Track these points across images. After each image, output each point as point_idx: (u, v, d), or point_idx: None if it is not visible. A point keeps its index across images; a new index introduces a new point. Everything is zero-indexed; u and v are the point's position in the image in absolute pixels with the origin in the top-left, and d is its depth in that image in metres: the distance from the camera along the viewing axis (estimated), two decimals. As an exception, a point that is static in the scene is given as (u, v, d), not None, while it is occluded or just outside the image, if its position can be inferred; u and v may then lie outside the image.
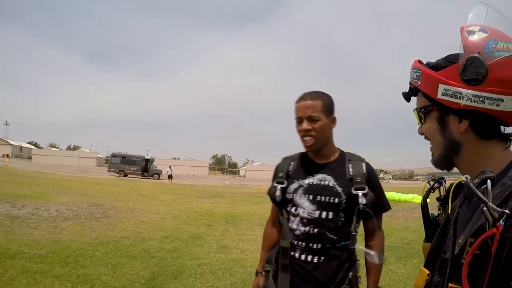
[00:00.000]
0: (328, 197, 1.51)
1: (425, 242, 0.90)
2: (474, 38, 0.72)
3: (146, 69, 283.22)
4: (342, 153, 1.65)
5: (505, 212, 0.59)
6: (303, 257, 1.51)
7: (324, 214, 1.51)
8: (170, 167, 33.64)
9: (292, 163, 1.66)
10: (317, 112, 1.52)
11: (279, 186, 1.62)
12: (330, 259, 1.49)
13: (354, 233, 1.54)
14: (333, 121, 1.60)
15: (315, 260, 1.49)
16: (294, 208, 1.58)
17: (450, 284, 0.68)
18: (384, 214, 1.66)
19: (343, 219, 1.52)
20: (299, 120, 1.56)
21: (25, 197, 10.05)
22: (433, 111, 0.80)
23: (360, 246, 1.50)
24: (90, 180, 21.62)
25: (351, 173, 1.54)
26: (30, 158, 62.21)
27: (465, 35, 0.74)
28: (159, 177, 34.76)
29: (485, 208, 0.61)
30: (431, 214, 0.90)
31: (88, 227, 6.84)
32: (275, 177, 1.67)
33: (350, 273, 1.49)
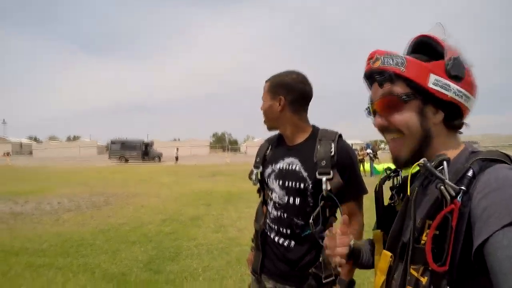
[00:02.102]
0: (294, 183, 1.47)
1: (375, 229, 0.94)
2: (451, 43, 0.80)
3: (139, 53, 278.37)
4: (314, 132, 1.54)
5: (461, 189, 0.65)
6: (276, 239, 1.54)
7: (291, 199, 1.48)
8: (177, 149, 34.62)
9: (270, 146, 1.68)
10: (264, 94, 1.59)
11: (255, 171, 1.67)
12: (300, 243, 1.48)
13: (319, 219, 1.41)
14: (279, 101, 1.52)
15: (286, 244, 1.50)
16: (270, 191, 1.60)
17: (412, 266, 0.72)
18: None
19: (311, 204, 1.45)
20: None
21: (28, 193, 10.24)
22: (414, 100, 0.79)
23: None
24: (91, 169, 21.88)
25: (317, 156, 1.43)
26: (31, 153, 62.25)
27: (443, 38, 0.80)
28: (160, 160, 35.08)
29: (442, 186, 0.66)
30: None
31: (89, 216, 7.04)
32: (255, 161, 1.70)
33: (321, 257, 1.43)
